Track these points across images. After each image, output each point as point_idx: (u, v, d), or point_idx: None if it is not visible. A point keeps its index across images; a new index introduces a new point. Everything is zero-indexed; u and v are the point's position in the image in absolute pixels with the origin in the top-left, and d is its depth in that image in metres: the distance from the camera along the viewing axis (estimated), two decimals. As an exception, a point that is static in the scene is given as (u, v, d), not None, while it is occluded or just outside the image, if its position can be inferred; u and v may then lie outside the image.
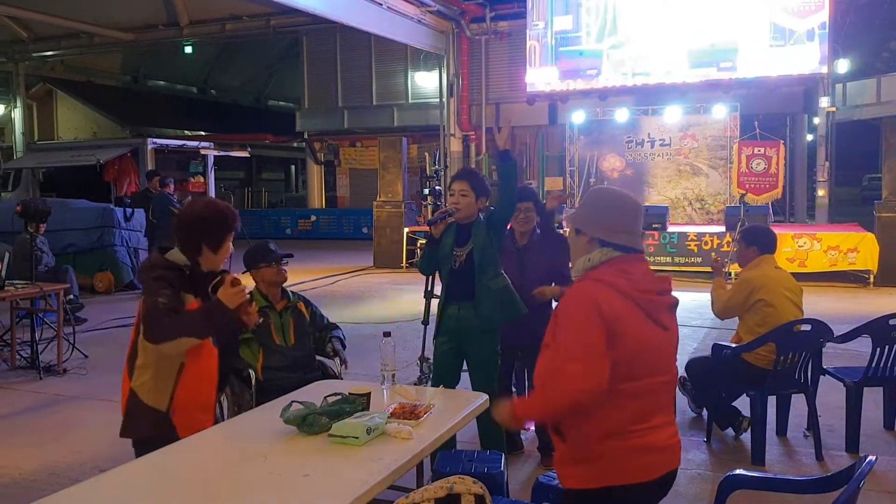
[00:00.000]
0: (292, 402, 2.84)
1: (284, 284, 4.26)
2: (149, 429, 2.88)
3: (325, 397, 2.90)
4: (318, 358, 4.26)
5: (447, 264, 3.96)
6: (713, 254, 11.49)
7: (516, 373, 4.85)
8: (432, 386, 3.79)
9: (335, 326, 4.43)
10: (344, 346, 4.33)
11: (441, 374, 3.99)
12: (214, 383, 2.97)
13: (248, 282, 4.00)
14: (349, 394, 2.90)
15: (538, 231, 4.53)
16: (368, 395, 2.92)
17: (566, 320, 2.24)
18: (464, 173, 4.03)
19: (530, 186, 4.86)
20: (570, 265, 2.48)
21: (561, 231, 5.49)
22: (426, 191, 16.14)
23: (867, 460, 2.34)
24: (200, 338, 2.80)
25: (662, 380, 2.30)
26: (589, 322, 2.18)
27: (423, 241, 4.13)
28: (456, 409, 3.02)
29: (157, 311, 2.77)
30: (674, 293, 2.40)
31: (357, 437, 2.59)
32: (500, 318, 3.96)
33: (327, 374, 4.15)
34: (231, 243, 3.02)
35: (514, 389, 4.91)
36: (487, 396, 3.24)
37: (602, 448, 2.21)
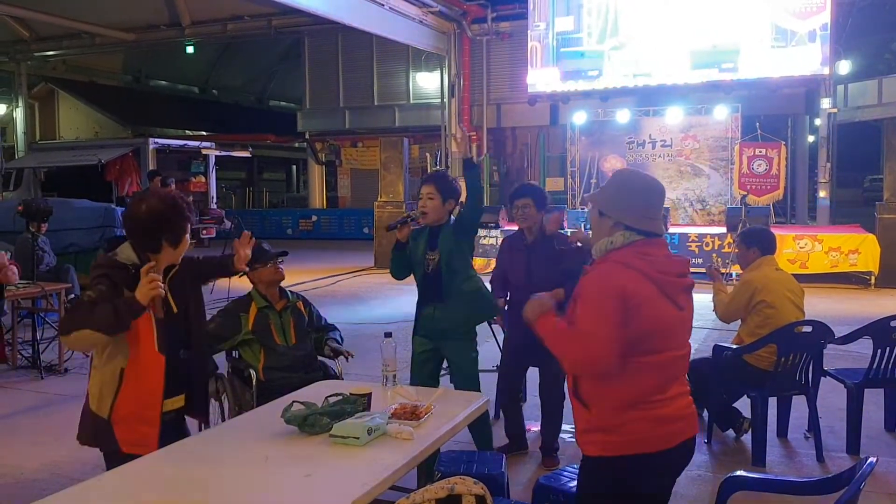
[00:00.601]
0: (293, 402, 2.84)
1: (285, 285, 4.26)
2: (91, 435, 2.78)
3: (327, 397, 2.90)
4: (319, 358, 4.26)
5: (420, 268, 3.97)
6: (714, 256, 11.49)
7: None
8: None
9: (333, 328, 4.42)
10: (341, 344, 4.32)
11: (417, 374, 4.01)
12: (158, 395, 2.76)
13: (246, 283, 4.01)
14: (350, 394, 2.91)
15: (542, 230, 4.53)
16: (369, 395, 2.93)
17: (587, 299, 2.35)
18: (431, 177, 4.06)
19: (531, 183, 4.88)
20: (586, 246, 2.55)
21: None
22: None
23: (868, 462, 2.35)
24: (106, 332, 2.58)
25: (678, 354, 2.44)
26: (608, 301, 2.28)
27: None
28: (456, 410, 3.02)
29: (78, 303, 2.67)
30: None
31: (358, 438, 2.59)
32: (474, 320, 3.99)
33: (328, 375, 4.15)
34: (188, 235, 2.85)
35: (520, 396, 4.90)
36: (487, 398, 3.25)
37: (625, 417, 2.32)
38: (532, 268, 4.36)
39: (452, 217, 4.00)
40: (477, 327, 4.19)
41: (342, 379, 4.13)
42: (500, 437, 4.57)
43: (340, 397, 2.89)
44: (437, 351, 4.03)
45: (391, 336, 3.25)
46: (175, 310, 2.84)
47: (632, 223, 2.38)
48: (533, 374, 4.73)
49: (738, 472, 2.77)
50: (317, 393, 3.09)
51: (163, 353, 2.74)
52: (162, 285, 2.64)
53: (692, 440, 2.45)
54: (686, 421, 2.43)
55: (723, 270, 10.63)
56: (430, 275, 3.94)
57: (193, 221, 2.87)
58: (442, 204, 3.89)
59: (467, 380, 3.95)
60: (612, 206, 2.43)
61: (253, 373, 3.99)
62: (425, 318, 4.00)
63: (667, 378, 2.39)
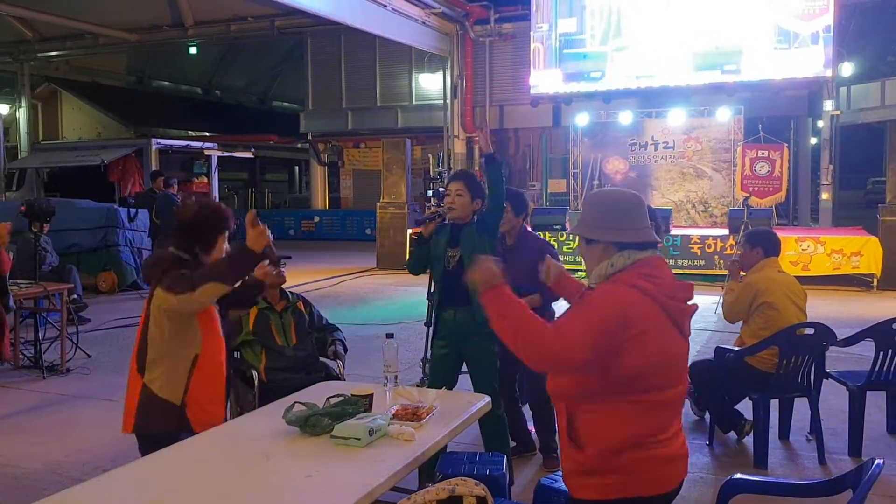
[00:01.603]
0: (295, 402, 2.84)
1: (287, 285, 4.27)
2: (164, 423, 2.91)
3: (328, 398, 2.90)
4: (321, 359, 4.26)
5: (440, 265, 3.98)
6: (717, 258, 11.47)
7: (519, 383, 4.82)
8: (430, 388, 3.79)
9: (335, 328, 4.43)
10: (346, 349, 4.33)
11: (438, 376, 4.00)
12: (224, 376, 3.04)
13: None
14: (351, 395, 2.91)
15: (523, 233, 4.55)
16: (371, 396, 2.93)
17: (587, 308, 2.18)
18: (460, 174, 4.11)
19: (509, 188, 4.89)
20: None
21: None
22: (430, 192, 16.14)
23: (875, 464, 2.34)
24: (227, 283, 2.79)
25: (680, 389, 2.27)
26: (605, 324, 2.11)
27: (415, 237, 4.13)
28: (458, 410, 3.02)
29: (177, 272, 2.84)
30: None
31: (359, 439, 2.59)
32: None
33: (330, 375, 4.15)
34: (225, 243, 3.02)
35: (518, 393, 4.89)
36: (490, 398, 3.24)
37: (625, 459, 2.16)
38: (511, 271, 4.35)
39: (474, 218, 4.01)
40: None
41: (344, 380, 4.13)
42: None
43: (342, 398, 2.89)
44: (458, 352, 4.03)
45: (393, 337, 3.25)
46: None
47: (623, 239, 2.23)
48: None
49: (738, 475, 2.76)
50: (318, 394, 3.09)
51: (224, 337, 3.04)
52: (270, 232, 2.84)
53: (682, 482, 2.31)
54: (684, 460, 2.29)
55: (723, 272, 10.61)
56: (451, 272, 3.94)
57: (232, 231, 3.03)
58: (470, 201, 3.92)
59: (487, 380, 3.93)
60: (597, 229, 2.27)
61: (255, 373, 3.99)
62: (445, 321, 3.99)
63: (668, 416, 2.24)
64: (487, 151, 3.91)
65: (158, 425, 2.91)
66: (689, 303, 2.30)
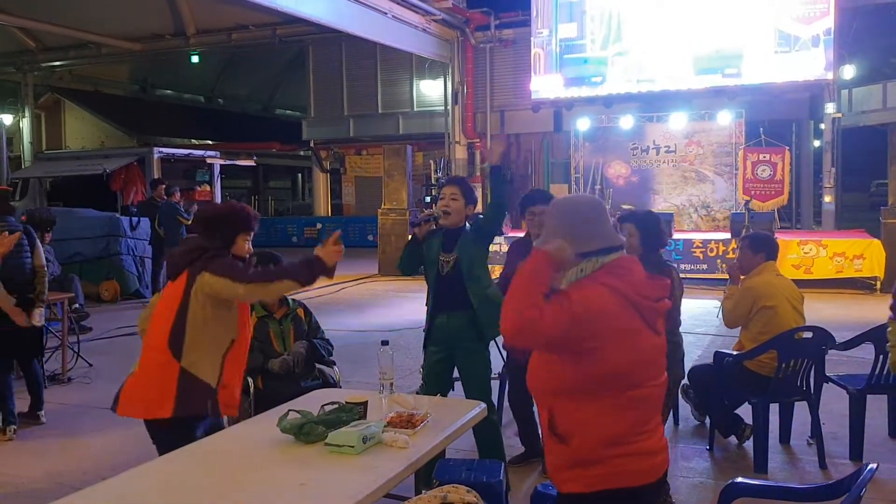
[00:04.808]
0: (289, 410, 2.85)
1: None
2: (203, 404, 3.00)
3: (323, 406, 2.91)
4: (317, 366, 4.25)
5: (433, 269, 3.98)
6: (719, 262, 11.45)
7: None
8: (425, 394, 3.78)
9: (326, 341, 4.37)
10: (326, 354, 4.26)
11: (432, 383, 4.00)
12: (244, 365, 3.21)
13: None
14: (346, 402, 2.91)
15: None
16: (365, 403, 2.92)
17: (564, 297, 2.21)
18: (456, 179, 4.15)
19: (545, 191, 4.83)
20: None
21: None
22: (428, 198, 16.16)
23: (868, 468, 2.33)
24: (303, 284, 3.01)
25: (658, 383, 2.32)
26: (579, 312, 2.15)
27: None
28: (453, 418, 3.01)
29: (243, 265, 3.03)
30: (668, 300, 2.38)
31: (353, 446, 2.59)
32: (494, 329, 3.97)
33: (327, 383, 4.15)
34: (248, 244, 3.14)
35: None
36: (485, 405, 3.24)
37: (607, 453, 2.21)
38: None
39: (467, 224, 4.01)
40: None
41: (340, 387, 4.13)
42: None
43: (336, 405, 2.89)
44: (451, 358, 4.02)
45: (388, 344, 3.25)
46: None
47: (592, 248, 2.25)
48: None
49: (739, 479, 2.75)
50: (313, 401, 3.09)
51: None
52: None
53: (666, 474, 2.35)
54: (664, 452, 2.34)
55: (725, 276, 10.58)
56: (446, 278, 3.93)
57: (253, 229, 3.16)
58: (464, 206, 3.93)
59: (480, 393, 3.91)
60: (568, 242, 2.26)
61: (251, 381, 3.99)
62: (438, 327, 3.98)
63: (648, 411, 2.29)
64: (493, 163, 3.94)
65: (198, 407, 2.99)
66: (662, 301, 2.32)
